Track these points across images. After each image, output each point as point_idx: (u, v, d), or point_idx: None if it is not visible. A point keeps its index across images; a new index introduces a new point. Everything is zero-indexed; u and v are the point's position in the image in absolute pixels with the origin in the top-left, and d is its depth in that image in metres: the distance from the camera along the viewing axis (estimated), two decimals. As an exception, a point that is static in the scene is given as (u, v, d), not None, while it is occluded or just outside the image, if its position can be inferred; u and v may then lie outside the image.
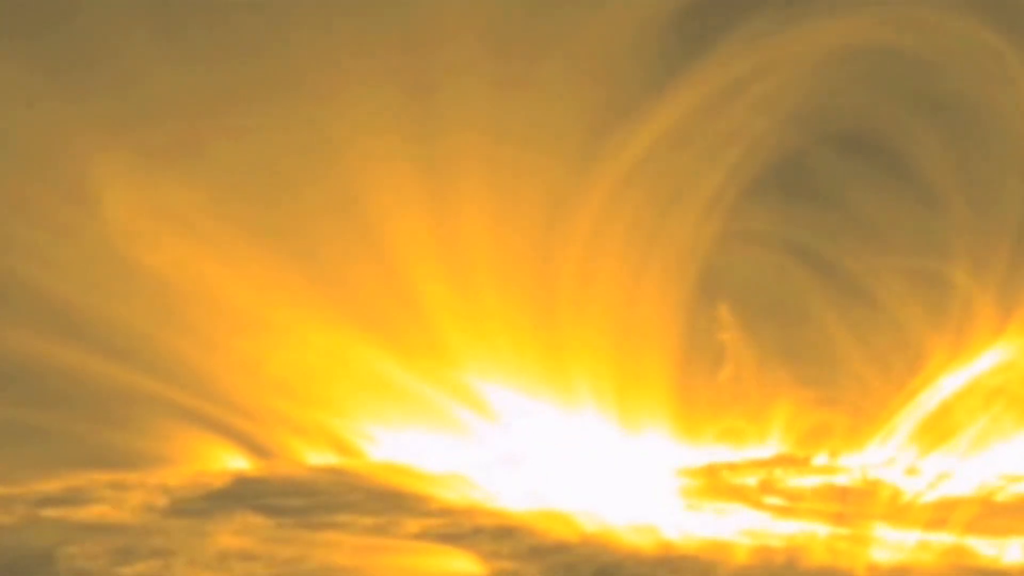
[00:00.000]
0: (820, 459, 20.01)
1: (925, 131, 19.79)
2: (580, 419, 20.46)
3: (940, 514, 18.50)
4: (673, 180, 20.47)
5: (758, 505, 19.13)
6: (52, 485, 20.31)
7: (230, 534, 18.61)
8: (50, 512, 19.65)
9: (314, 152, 21.03)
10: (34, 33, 20.91)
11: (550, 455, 20.13)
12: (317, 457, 21.02)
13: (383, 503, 19.42)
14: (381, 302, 20.91)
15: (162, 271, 21.06)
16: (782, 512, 19.00)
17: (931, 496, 18.90)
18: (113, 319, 20.96)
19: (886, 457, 19.69)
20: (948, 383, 19.81)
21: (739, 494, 19.34)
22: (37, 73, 20.76)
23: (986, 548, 18.01)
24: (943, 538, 18.20)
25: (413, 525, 18.89)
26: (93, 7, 20.82)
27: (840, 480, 19.51)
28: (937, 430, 19.73)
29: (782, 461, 19.94)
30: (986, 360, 19.72)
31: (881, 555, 17.94)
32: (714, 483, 19.58)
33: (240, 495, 19.89)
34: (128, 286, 21.12)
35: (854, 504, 18.90)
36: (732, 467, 19.85)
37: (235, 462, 20.99)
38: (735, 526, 18.76)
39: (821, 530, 18.51)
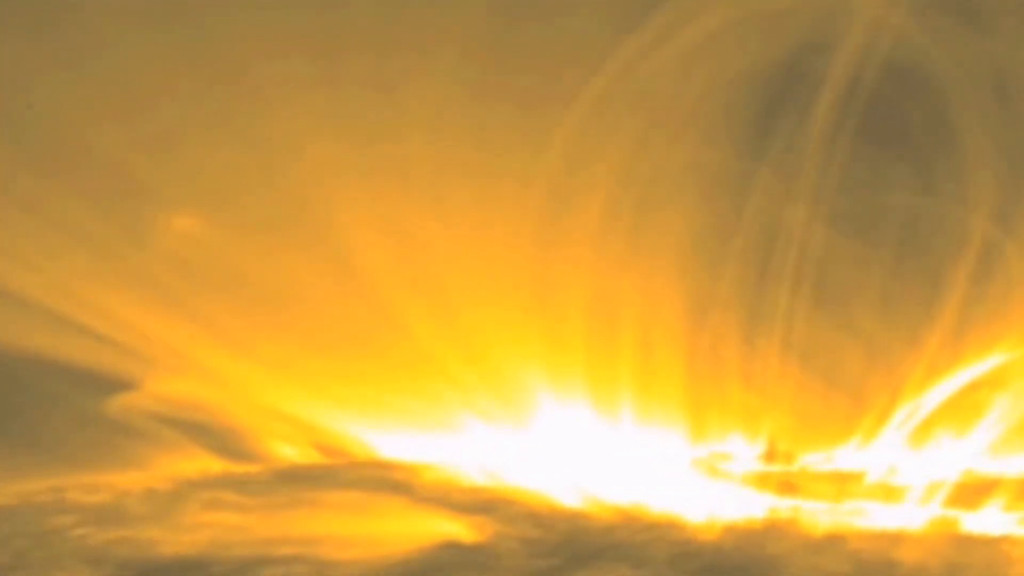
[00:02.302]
0: (811, 451, 19.80)
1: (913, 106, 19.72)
2: (577, 413, 20.27)
3: (926, 491, 18.48)
4: (661, 169, 20.45)
5: (748, 485, 18.95)
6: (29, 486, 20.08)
7: (205, 507, 18.41)
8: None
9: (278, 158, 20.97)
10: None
11: (548, 444, 19.92)
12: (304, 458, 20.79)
13: (366, 486, 19.15)
14: (355, 307, 20.78)
15: (138, 280, 21.01)
16: (773, 490, 18.83)
17: (918, 477, 18.73)
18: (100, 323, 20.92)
19: (876, 447, 19.50)
20: (938, 379, 19.67)
21: (729, 477, 19.15)
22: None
23: (970, 519, 18.03)
24: (929, 511, 18.22)
25: (396, 502, 18.62)
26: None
27: (830, 467, 19.32)
28: (924, 422, 19.59)
29: (773, 453, 19.74)
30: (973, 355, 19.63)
31: (871, 525, 17.78)
32: (705, 469, 19.38)
33: (218, 483, 19.64)
34: (116, 292, 21.10)
35: (844, 484, 18.72)
36: (724, 456, 19.64)
37: (216, 463, 20.73)
38: (724, 502, 18.54)
39: (811, 506, 18.35)
